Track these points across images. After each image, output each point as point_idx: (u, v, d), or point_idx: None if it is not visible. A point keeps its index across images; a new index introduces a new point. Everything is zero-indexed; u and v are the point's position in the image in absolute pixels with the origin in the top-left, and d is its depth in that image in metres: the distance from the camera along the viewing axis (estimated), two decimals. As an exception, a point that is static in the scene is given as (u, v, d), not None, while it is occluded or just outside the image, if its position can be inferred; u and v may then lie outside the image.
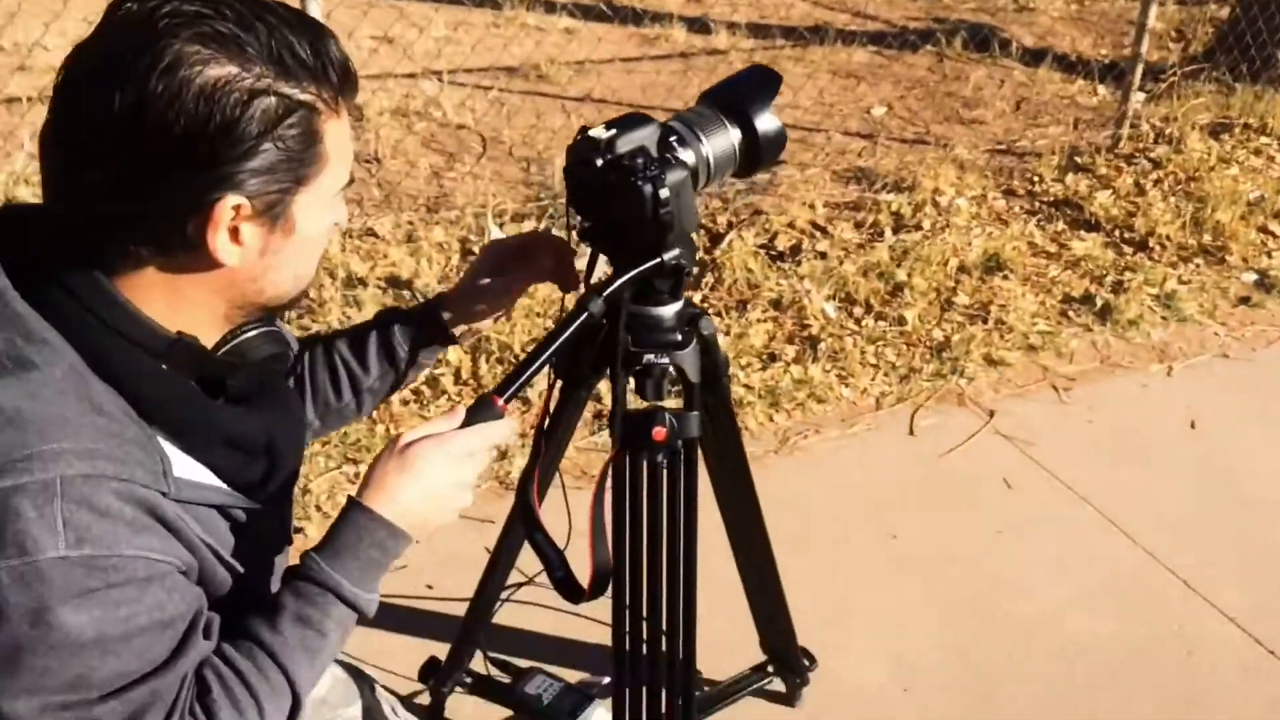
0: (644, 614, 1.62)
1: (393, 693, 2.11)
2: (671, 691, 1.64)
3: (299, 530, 2.52)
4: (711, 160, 1.49)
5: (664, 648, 1.64)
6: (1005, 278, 3.58)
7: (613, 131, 1.42)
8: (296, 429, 1.33)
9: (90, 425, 1.04)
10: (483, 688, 2.04)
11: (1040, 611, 2.45)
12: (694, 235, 1.53)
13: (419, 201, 3.71)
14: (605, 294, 1.40)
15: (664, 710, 1.66)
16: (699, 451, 1.59)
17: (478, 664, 2.09)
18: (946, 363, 3.21)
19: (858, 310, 3.38)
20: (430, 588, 2.41)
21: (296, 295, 1.21)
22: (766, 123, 1.51)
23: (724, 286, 3.40)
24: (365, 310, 3.10)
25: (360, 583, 1.20)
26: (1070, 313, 3.50)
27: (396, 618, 2.34)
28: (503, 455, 2.73)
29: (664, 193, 1.39)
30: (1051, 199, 4.06)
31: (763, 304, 3.33)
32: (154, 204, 1.04)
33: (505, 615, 2.22)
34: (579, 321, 1.38)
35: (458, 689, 2.06)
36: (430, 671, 2.07)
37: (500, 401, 1.30)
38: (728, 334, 3.20)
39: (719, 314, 3.29)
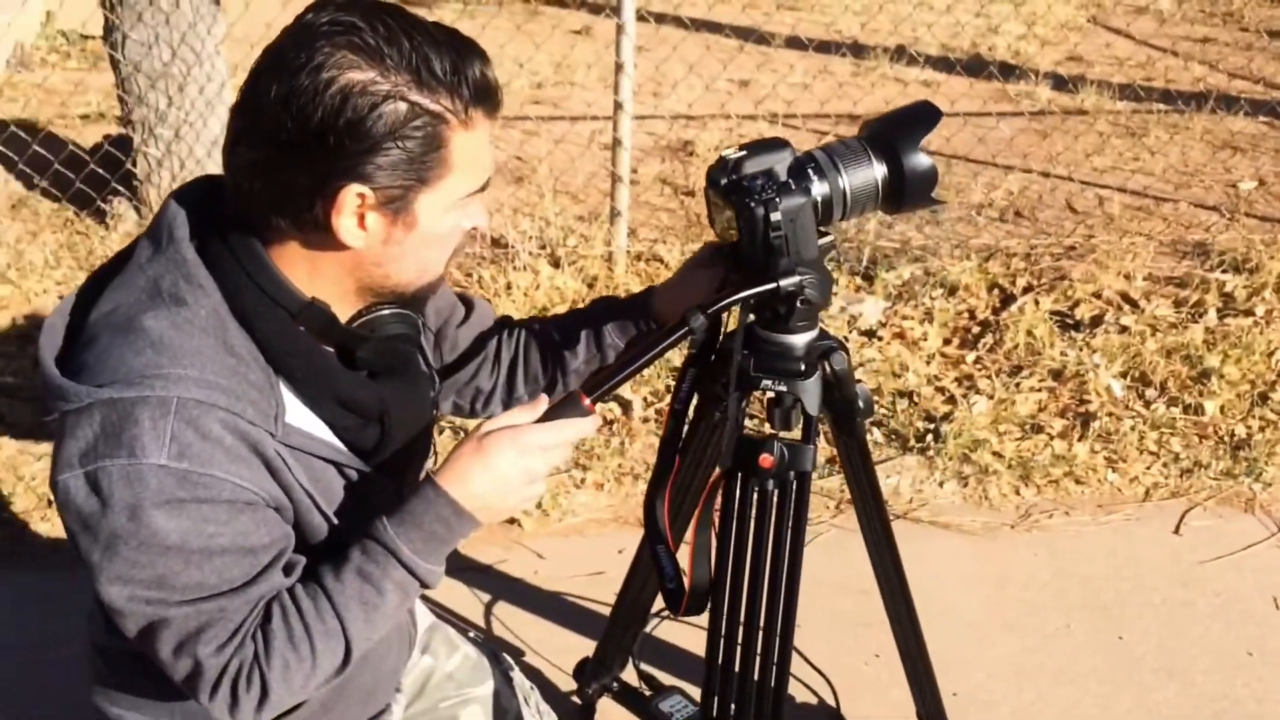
0: (739, 640, 1.60)
1: (552, 686, 2.20)
2: (758, 725, 1.60)
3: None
4: (849, 193, 1.46)
5: (755, 678, 1.60)
6: (1342, 379, 3.14)
7: (743, 153, 1.44)
8: (417, 407, 1.43)
9: (217, 361, 1.19)
10: (626, 697, 2.07)
11: (1271, 751, 2.14)
12: (830, 268, 1.51)
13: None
14: (709, 311, 1.41)
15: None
16: (810, 487, 1.54)
17: (631, 673, 2.13)
18: (1242, 462, 2.87)
19: (1150, 393, 3.09)
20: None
21: (422, 286, 1.32)
22: (915, 160, 1.46)
23: (1001, 350, 3.23)
24: (634, 327, 3.23)
25: (421, 552, 1.27)
26: None
27: (584, 618, 2.43)
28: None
29: (775, 216, 1.38)
30: None
31: (1041, 373, 3.13)
32: (290, 184, 1.19)
33: (669, 628, 2.25)
34: (678, 335, 1.40)
35: (606, 694, 2.11)
36: (581, 671, 2.13)
37: (587, 401, 1.34)
38: (991, 398, 3.04)
39: (988, 377, 3.13)
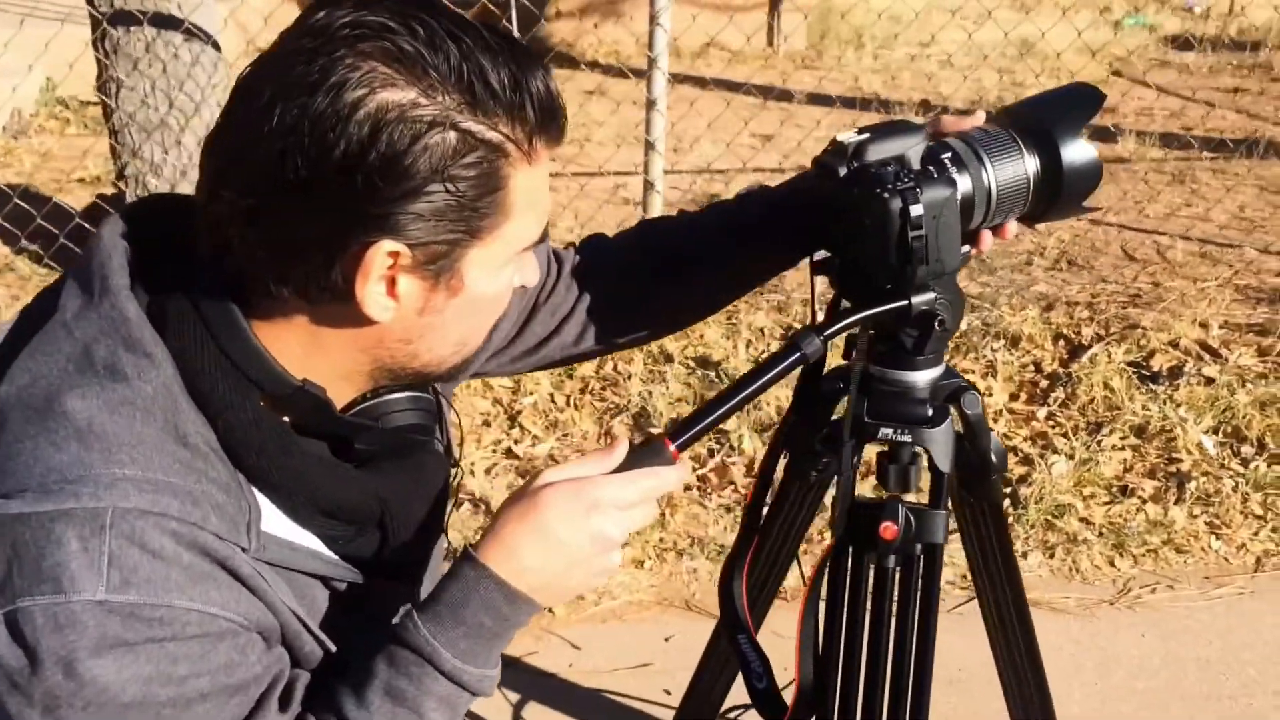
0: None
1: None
2: None
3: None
4: (995, 190, 1.17)
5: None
6: None
7: (865, 136, 1.15)
8: (426, 499, 1.09)
9: (166, 454, 0.89)
10: (692, 814, 1.74)
11: None
12: (962, 289, 1.21)
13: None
14: (825, 334, 1.11)
15: None
16: (942, 562, 1.24)
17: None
18: (1361, 527, 2.55)
19: (1246, 449, 2.78)
20: (668, 693, 2.14)
21: (457, 364, 1.03)
22: (1077, 151, 1.18)
23: (1076, 405, 2.92)
24: (669, 387, 2.94)
25: (467, 654, 0.97)
26: None
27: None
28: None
29: (915, 209, 1.09)
30: None
31: (1122, 429, 2.83)
32: (299, 238, 0.89)
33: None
34: (786, 363, 1.10)
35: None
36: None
37: (672, 446, 1.04)
38: (1072, 458, 2.73)
39: (1065, 435, 2.83)
